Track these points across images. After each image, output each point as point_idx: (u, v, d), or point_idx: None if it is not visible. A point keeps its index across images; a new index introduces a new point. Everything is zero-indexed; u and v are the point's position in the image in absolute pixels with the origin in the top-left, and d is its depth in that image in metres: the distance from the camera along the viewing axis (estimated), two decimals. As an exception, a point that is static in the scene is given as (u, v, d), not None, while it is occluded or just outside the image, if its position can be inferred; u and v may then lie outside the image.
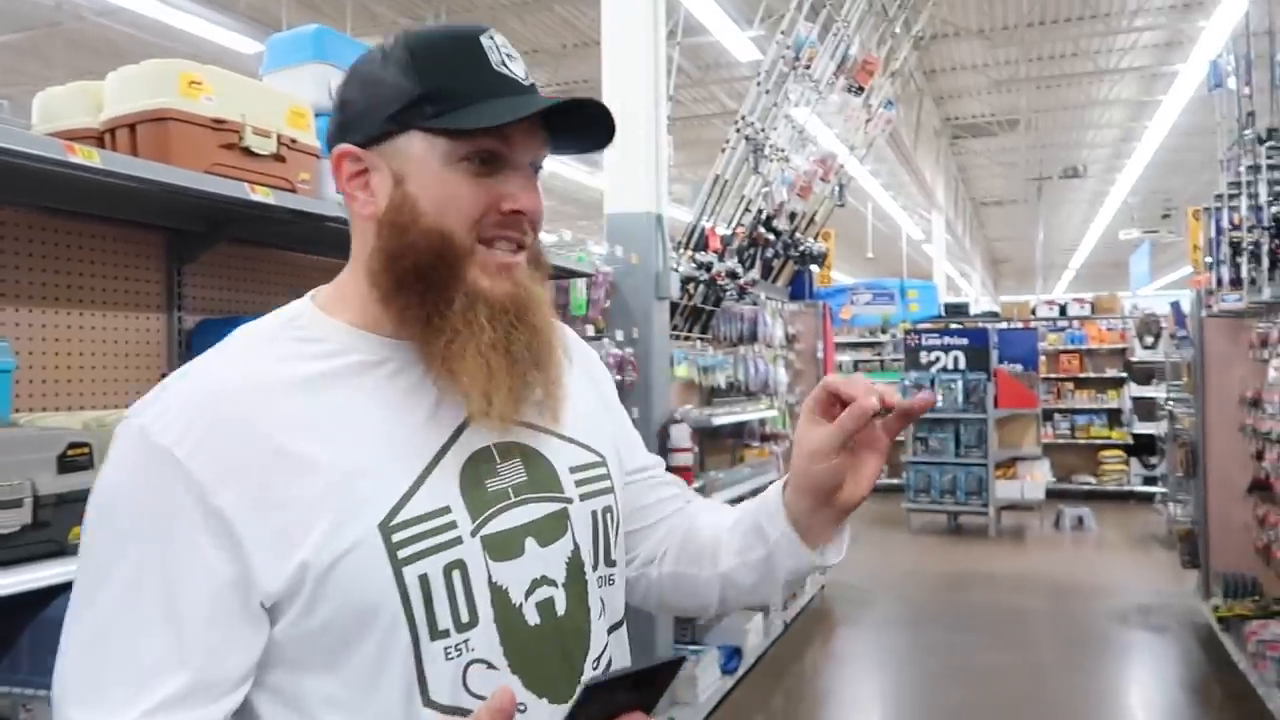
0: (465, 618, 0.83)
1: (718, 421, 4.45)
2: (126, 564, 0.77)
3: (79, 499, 1.54)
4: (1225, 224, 4.83)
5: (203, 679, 0.77)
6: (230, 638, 0.78)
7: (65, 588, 1.50)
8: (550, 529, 0.90)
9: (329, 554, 0.78)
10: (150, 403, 0.82)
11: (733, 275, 4.78)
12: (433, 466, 0.85)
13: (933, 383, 8.89)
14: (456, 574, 0.83)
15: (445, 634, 0.82)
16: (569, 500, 0.93)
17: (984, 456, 8.79)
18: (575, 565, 0.91)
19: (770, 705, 4.64)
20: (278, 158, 1.91)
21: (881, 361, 11.61)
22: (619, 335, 3.83)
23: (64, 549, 1.52)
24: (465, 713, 0.82)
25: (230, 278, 2.33)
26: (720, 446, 5.50)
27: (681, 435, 3.89)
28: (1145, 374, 10.72)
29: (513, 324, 0.87)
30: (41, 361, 1.92)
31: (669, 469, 1.16)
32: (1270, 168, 4.05)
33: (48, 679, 1.46)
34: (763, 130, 4.84)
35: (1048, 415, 11.09)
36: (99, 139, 1.82)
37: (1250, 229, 4.40)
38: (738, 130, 4.74)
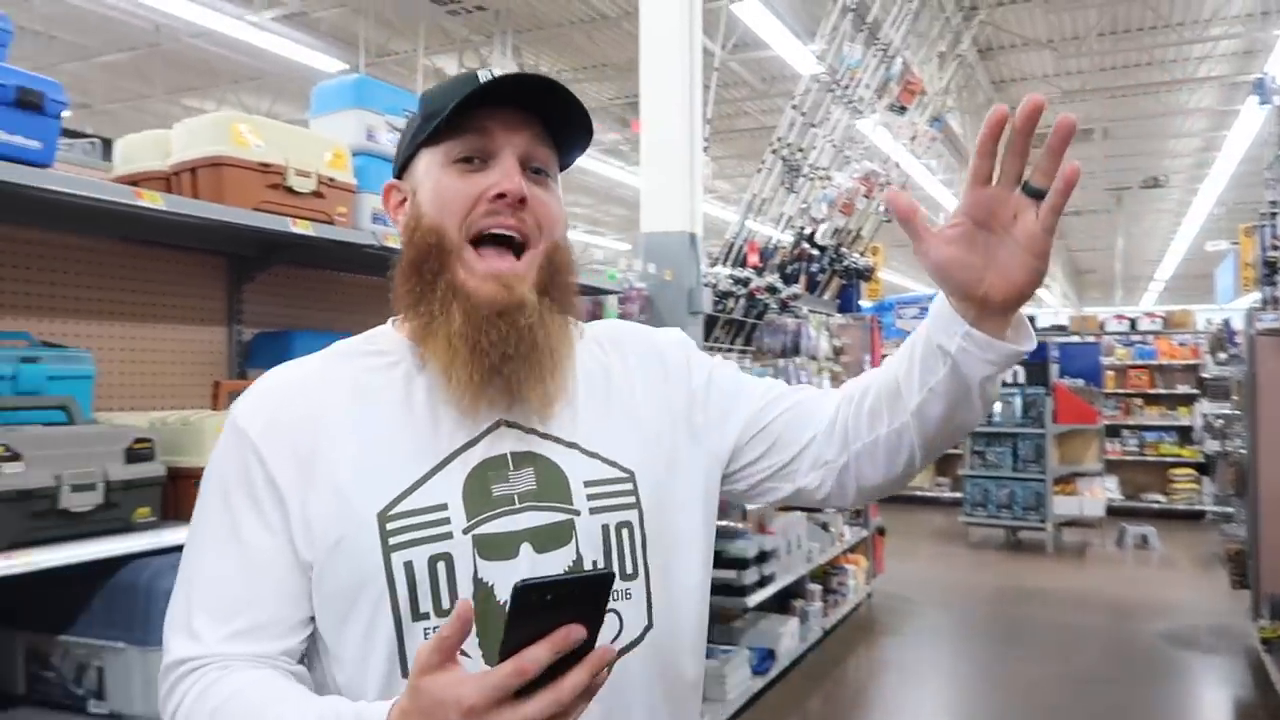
0: (445, 604, 0.91)
1: (751, 431, 4.61)
2: (215, 522, 0.95)
3: (143, 485, 1.84)
4: (1268, 241, 4.83)
5: (265, 618, 0.91)
6: (289, 587, 0.92)
7: (130, 559, 1.80)
8: (549, 537, 0.95)
9: (335, 533, 0.91)
10: (246, 394, 1.00)
11: (772, 290, 4.96)
12: (440, 468, 0.94)
13: (989, 396, 8.89)
14: (441, 565, 0.91)
15: (426, 616, 0.91)
16: (576, 513, 0.96)
17: (1042, 471, 8.74)
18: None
19: (804, 708, 4.79)
20: (317, 194, 2.20)
21: (944, 374, 11.55)
22: (652, 348, 4.05)
23: (130, 526, 1.82)
24: None
25: (283, 295, 2.64)
26: (763, 455, 5.66)
27: (711, 443, 4.08)
28: (1220, 390, 10.47)
29: (488, 321, 0.93)
30: (119, 369, 2.24)
31: None
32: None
33: (116, 634, 1.77)
34: (800, 151, 5.01)
35: (1115, 431, 10.91)
36: (167, 181, 2.13)
37: (1288, 248, 4.41)
38: (773, 151, 4.92)
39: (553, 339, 0.97)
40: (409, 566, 0.90)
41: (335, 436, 0.95)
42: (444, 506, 0.92)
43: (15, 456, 1.66)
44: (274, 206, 2.11)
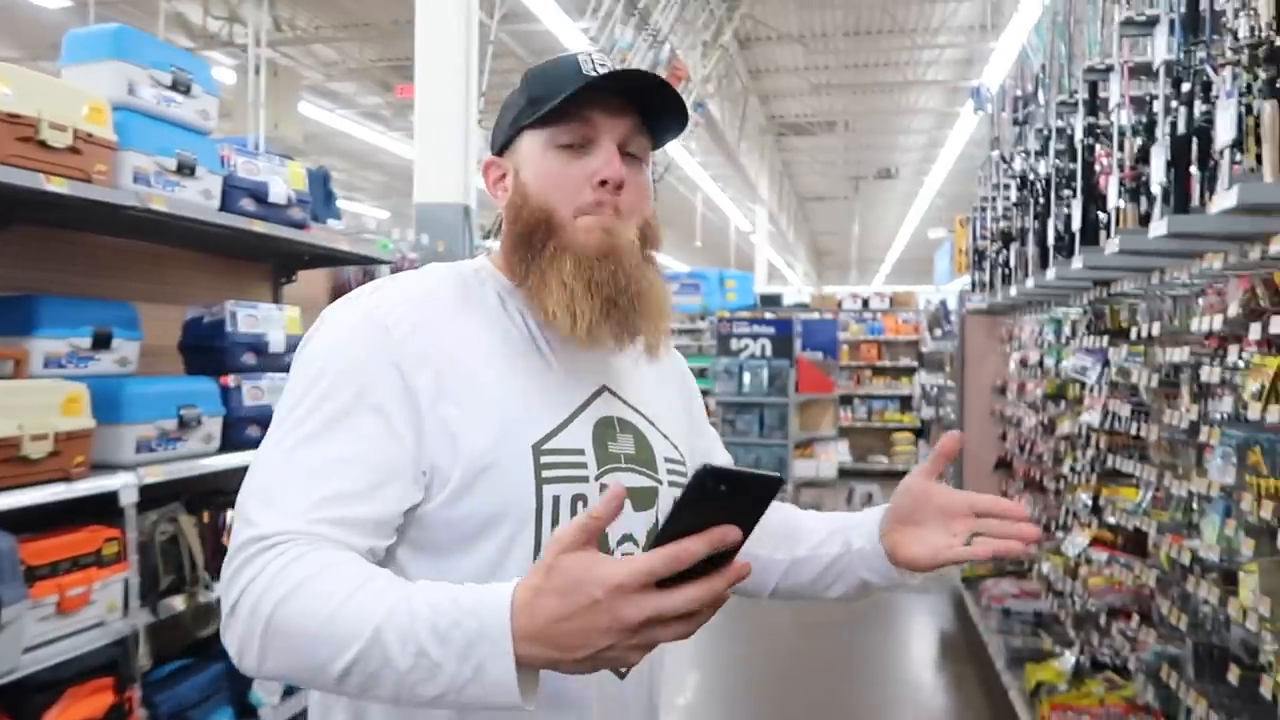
0: None
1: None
2: (333, 406, 0.92)
3: None
4: (978, 231, 5.52)
5: (371, 514, 0.90)
6: (401, 492, 0.92)
7: None
8: (643, 499, 1.05)
9: (489, 456, 0.94)
10: (366, 294, 1.00)
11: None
12: (575, 415, 1.02)
13: (740, 368, 9.51)
14: (580, 505, 0.99)
15: None
16: (660, 482, 1.08)
17: (785, 438, 9.50)
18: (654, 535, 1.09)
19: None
20: (73, 150, 2.06)
21: (700, 347, 12.22)
22: (425, 318, 4.05)
23: None
24: None
25: (27, 258, 2.43)
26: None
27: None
28: (935, 363, 11.77)
29: (596, 261, 1.00)
30: None
31: None
32: (1004, 187, 4.69)
33: None
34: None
35: (847, 400, 11.99)
36: (-107, 127, 1.92)
37: (991, 239, 5.07)
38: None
39: (659, 289, 1.06)
40: (556, 501, 0.97)
41: (483, 357, 0.99)
42: (582, 451, 1.01)
43: None
44: (23, 161, 1.96)
